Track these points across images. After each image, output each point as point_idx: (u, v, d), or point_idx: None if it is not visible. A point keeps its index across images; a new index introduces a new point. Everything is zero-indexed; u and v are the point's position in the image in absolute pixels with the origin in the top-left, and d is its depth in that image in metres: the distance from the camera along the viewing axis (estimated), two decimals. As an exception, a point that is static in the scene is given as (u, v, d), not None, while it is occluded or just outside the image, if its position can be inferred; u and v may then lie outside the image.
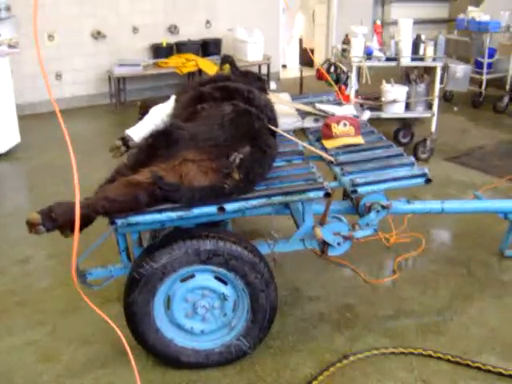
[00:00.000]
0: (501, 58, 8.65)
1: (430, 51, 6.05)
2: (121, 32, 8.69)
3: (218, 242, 2.92)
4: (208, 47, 9.16)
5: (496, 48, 8.70)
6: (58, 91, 8.40)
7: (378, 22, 6.45)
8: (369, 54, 6.01)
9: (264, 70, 9.67)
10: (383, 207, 3.44)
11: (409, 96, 6.23)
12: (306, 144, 3.48)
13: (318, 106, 4.02)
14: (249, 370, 3.21)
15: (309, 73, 9.82)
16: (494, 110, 8.35)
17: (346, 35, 6.39)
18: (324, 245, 3.30)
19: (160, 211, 2.84)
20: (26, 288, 4.06)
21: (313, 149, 3.41)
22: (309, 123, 3.91)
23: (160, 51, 8.84)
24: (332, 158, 3.31)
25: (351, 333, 3.53)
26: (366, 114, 4.00)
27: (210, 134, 2.88)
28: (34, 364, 3.30)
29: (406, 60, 6.08)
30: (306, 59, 11.57)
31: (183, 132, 2.90)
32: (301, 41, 11.74)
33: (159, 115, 3.92)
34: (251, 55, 9.16)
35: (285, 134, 3.37)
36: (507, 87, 8.34)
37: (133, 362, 2.74)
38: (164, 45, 8.86)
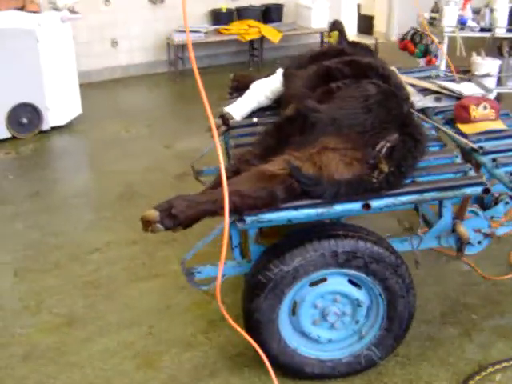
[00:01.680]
0: None
1: (528, 21, 5.52)
2: (179, -4, 8.22)
3: (357, 242, 2.56)
4: (269, 13, 8.66)
5: None
6: (113, 59, 8.05)
7: (469, -11, 5.89)
8: (462, 24, 5.50)
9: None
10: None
11: (501, 70, 5.71)
12: (444, 128, 3.05)
13: (441, 83, 3.57)
14: (378, 383, 2.87)
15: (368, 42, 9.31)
16: None
17: (435, 3, 5.86)
18: (462, 243, 2.90)
19: (296, 208, 2.47)
20: (110, 280, 3.75)
21: (453, 134, 2.98)
22: (430, 102, 3.47)
23: (220, 17, 8.38)
24: (475, 146, 2.89)
25: (481, 338, 3.17)
26: (493, 93, 3.54)
27: (354, 118, 2.48)
28: (134, 372, 2.99)
29: (501, 31, 5.55)
30: (364, 27, 11.01)
31: (321, 115, 2.51)
32: (359, 7, 11.13)
33: (262, 91, 3.54)
34: (315, 22, 8.64)
35: (422, 116, 2.95)
36: None
37: (273, 376, 2.42)
38: (224, 10, 8.40)
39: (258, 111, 3.59)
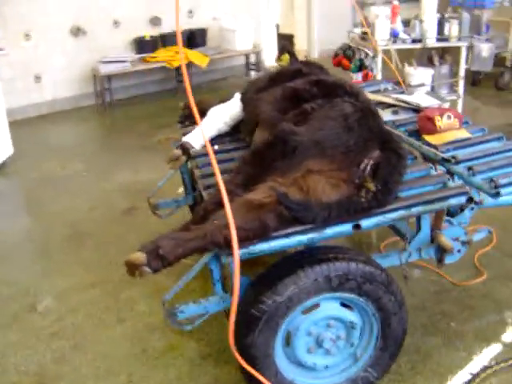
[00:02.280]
0: (495, 35, 8.46)
1: (454, 30, 5.75)
2: (101, 27, 8.00)
3: (349, 264, 2.50)
4: (194, 38, 8.59)
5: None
6: (38, 95, 7.70)
7: (396, 2, 6.07)
8: (395, 36, 5.66)
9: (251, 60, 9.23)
10: (476, 203, 3.10)
11: (433, 79, 5.90)
12: (412, 140, 3.08)
13: (396, 95, 3.62)
14: (376, 404, 2.81)
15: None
16: (496, 86, 8.16)
17: (365, 17, 6.00)
18: (442, 254, 2.92)
19: (287, 235, 2.39)
20: (76, 328, 3.49)
21: (422, 146, 3.01)
22: (388, 116, 3.50)
23: (144, 45, 8.22)
24: (447, 156, 2.92)
25: (465, 344, 3.19)
26: (447, 103, 3.63)
27: (336, 138, 2.44)
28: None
29: (431, 41, 5.75)
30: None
31: (301, 138, 2.45)
32: (278, 26, 11.28)
33: (221, 118, 3.45)
34: (240, 44, 8.66)
35: (394, 131, 2.96)
36: (508, 63, 8.15)
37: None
38: (148, 38, 8.25)
39: (217, 138, 3.49)
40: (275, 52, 10.39)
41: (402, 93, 3.97)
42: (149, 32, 8.34)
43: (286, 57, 3.65)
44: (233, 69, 9.54)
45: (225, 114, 3.44)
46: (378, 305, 2.60)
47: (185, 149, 3.35)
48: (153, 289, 3.80)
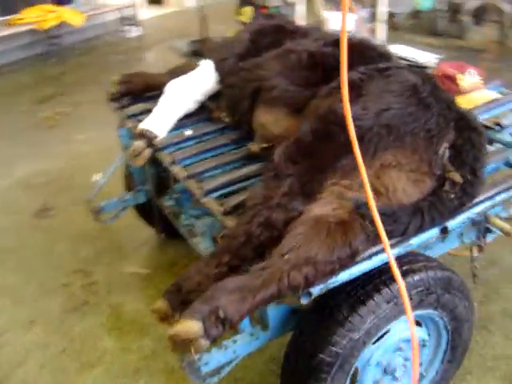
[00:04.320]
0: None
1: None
2: None
3: (428, 274, 1.98)
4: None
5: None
6: None
7: None
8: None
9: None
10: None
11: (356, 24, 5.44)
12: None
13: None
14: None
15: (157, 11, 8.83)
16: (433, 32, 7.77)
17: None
18: (485, 234, 2.50)
19: (370, 256, 1.80)
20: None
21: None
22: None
23: (6, 6, 6.82)
24: (489, 123, 2.46)
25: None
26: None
27: (413, 120, 1.85)
28: None
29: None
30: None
31: (367, 123, 1.83)
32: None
33: (191, 95, 2.71)
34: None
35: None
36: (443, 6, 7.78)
37: None
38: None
39: (184, 119, 2.75)
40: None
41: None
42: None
43: (248, 10, 2.94)
44: (105, 26, 8.40)
45: (194, 89, 2.69)
46: (452, 315, 2.14)
47: (147, 139, 2.57)
48: (112, 313, 3.05)
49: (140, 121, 2.72)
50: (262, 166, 2.33)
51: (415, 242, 1.88)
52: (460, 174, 1.89)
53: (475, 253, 2.23)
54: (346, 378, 1.98)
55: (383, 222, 1.74)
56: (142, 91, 2.95)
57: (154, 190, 3.03)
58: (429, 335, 2.21)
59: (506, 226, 2.31)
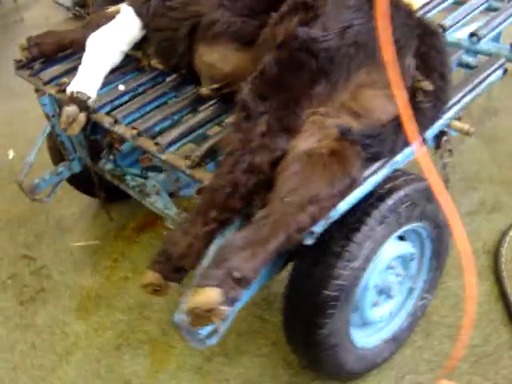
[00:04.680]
0: None
1: None
2: None
3: (411, 187, 1.95)
4: None
5: None
6: None
7: None
8: None
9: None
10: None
11: None
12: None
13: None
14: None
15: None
16: None
17: None
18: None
19: (362, 182, 1.73)
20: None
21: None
22: None
23: None
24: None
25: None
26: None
27: (373, 35, 1.75)
28: None
29: None
30: None
31: (335, 44, 1.72)
32: None
33: (114, 46, 2.47)
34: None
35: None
36: None
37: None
38: None
39: (111, 74, 2.51)
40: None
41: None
42: None
43: None
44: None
45: (118, 39, 2.43)
46: (435, 223, 2.13)
47: (79, 102, 2.32)
48: (73, 294, 2.85)
49: (61, 85, 2.47)
50: (216, 108, 2.19)
51: (399, 158, 1.82)
52: (429, 81, 1.83)
53: (447, 158, 2.21)
54: (350, 310, 1.96)
55: (371, 145, 1.67)
56: (56, 51, 2.65)
57: (89, 156, 2.79)
58: (416, 248, 2.22)
59: (464, 126, 2.31)
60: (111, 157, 2.84)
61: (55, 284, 2.92)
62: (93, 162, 2.80)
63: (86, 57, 2.42)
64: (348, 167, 1.59)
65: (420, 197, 1.97)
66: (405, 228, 2.01)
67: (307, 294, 1.87)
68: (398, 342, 2.30)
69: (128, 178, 2.67)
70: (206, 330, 1.94)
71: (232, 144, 1.68)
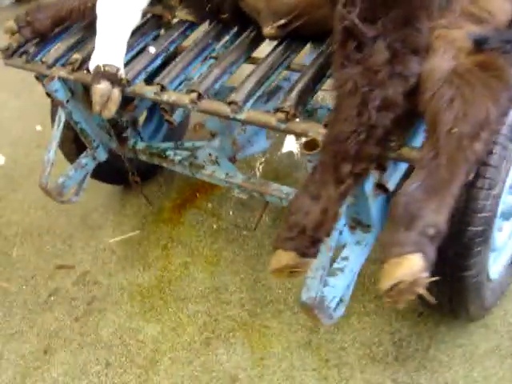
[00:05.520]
0: None
1: None
2: None
3: None
4: None
5: None
6: None
7: None
8: None
9: None
10: None
11: None
12: None
13: None
14: None
15: None
16: None
17: None
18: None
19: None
20: None
21: None
22: None
23: None
24: None
25: None
26: None
27: None
28: None
29: None
30: None
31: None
32: None
33: (134, 11, 2.11)
34: None
35: None
36: None
37: None
38: None
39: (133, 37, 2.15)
40: None
41: None
42: None
43: None
44: None
45: (137, 4, 2.07)
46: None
47: (110, 77, 1.96)
48: (129, 295, 2.56)
49: (72, 63, 2.10)
50: (285, 46, 1.86)
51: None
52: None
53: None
54: (488, 239, 1.73)
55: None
56: (53, 27, 2.27)
57: (116, 139, 2.44)
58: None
59: None
60: (137, 135, 2.52)
61: (106, 289, 2.61)
62: (121, 146, 2.46)
63: (101, 23, 2.05)
64: (506, 78, 1.33)
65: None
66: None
67: (451, 237, 1.63)
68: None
69: (170, 153, 2.35)
70: (334, 302, 1.74)
71: (352, 80, 1.39)
